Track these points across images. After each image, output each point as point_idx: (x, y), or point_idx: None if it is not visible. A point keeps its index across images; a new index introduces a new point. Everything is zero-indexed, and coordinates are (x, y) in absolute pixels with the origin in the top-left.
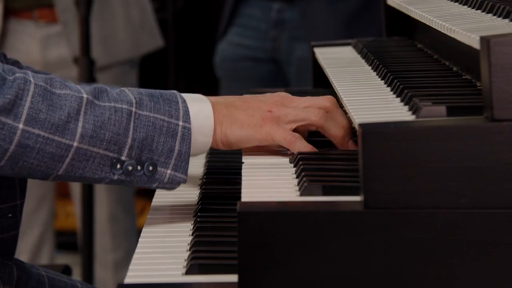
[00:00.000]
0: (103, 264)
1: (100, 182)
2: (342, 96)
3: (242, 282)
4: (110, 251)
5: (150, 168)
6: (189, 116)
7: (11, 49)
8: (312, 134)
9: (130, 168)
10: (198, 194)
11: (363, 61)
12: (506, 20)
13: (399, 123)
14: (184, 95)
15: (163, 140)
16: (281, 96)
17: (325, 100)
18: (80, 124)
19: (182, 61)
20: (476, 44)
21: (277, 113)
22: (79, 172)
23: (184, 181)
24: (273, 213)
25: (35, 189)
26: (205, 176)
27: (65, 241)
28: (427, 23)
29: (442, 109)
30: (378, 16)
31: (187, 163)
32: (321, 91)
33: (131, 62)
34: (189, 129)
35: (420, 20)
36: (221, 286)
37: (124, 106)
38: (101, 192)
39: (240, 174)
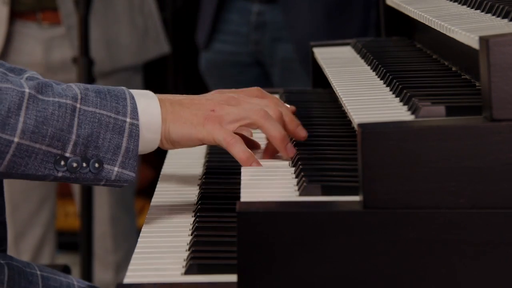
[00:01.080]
0: (104, 265)
1: (44, 179)
2: (341, 96)
3: (241, 282)
4: (111, 252)
5: (96, 165)
6: (137, 113)
7: (15, 51)
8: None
9: (74, 165)
10: (197, 194)
11: (362, 61)
12: (505, 20)
13: (398, 123)
14: (133, 91)
15: (109, 136)
16: (229, 96)
17: (269, 100)
18: (21, 119)
19: (181, 61)
20: (475, 44)
21: (220, 113)
22: (21, 169)
23: (133, 179)
24: (272, 213)
25: (37, 190)
26: (204, 176)
27: (64, 241)
28: (426, 23)
29: (441, 109)
30: (360, 12)
31: (135, 160)
32: (320, 91)
33: (135, 68)
34: (137, 126)
35: (419, 20)
36: (220, 286)
37: (68, 101)
38: (102, 194)
39: (239, 174)
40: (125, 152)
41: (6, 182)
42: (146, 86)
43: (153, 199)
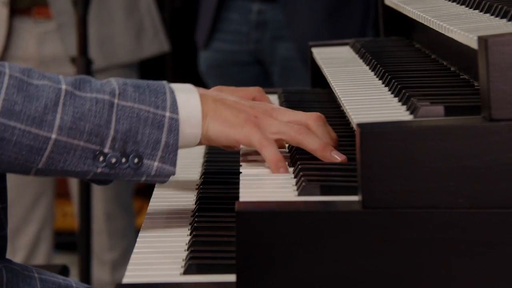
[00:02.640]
0: (101, 263)
1: (84, 175)
2: (340, 96)
3: (240, 282)
4: (107, 250)
5: (136, 160)
6: (177, 107)
7: (11, 46)
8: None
9: (113, 160)
10: (196, 194)
11: (360, 61)
12: (504, 20)
13: (397, 123)
14: (173, 85)
15: (148, 131)
16: (272, 107)
17: (310, 117)
18: (58, 115)
19: (180, 61)
20: (474, 44)
21: (262, 120)
22: (60, 166)
23: (173, 173)
24: (271, 213)
25: (31, 187)
26: (203, 176)
27: (63, 241)
28: (425, 23)
29: (440, 109)
30: (359, 11)
31: (176, 154)
32: (318, 91)
33: (131, 66)
34: (176, 120)
35: (418, 20)
36: (219, 286)
37: (106, 97)
38: (97, 191)
39: (238, 173)
40: (165, 147)
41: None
42: None
43: (151, 199)
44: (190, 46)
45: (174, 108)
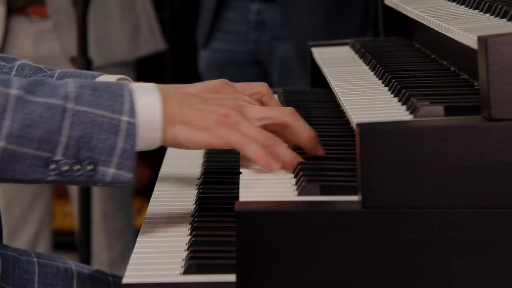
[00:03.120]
0: (98, 262)
1: (35, 183)
2: (339, 96)
3: (240, 281)
4: (104, 250)
5: (90, 167)
6: (135, 110)
7: (7, 45)
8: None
9: (65, 168)
10: (196, 194)
11: (360, 60)
12: (504, 20)
13: (397, 122)
14: (134, 86)
15: (104, 137)
16: (239, 104)
17: (285, 113)
18: (6, 122)
19: (179, 61)
20: (473, 44)
21: (234, 120)
22: (10, 174)
23: (131, 180)
24: (271, 213)
25: (28, 187)
26: (203, 176)
27: (62, 241)
28: (425, 23)
29: (439, 108)
30: (359, 11)
31: (133, 160)
32: (318, 91)
33: (127, 64)
34: (134, 124)
35: (418, 20)
36: (219, 285)
37: (58, 102)
38: (94, 191)
39: (238, 173)
40: (121, 153)
41: None
42: None
43: (151, 199)
44: (190, 46)
45: (132, 112)
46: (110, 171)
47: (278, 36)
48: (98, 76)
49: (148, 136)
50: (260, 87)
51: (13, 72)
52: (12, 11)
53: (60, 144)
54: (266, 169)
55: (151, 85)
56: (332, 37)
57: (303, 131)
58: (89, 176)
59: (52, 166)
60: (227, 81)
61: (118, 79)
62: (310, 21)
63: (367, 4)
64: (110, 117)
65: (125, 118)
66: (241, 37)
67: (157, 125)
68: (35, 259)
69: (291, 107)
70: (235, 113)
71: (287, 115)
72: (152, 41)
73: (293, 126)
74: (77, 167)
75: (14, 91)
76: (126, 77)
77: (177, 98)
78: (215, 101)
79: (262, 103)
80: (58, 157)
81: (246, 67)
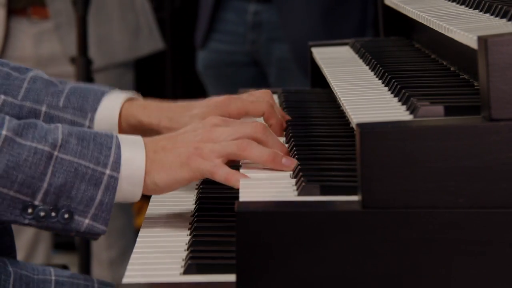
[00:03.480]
0: (98, 262)
1: (11, 223)
2: (339, 96)
3: (240, 281)
4: (104, 249)
5: (66, 215)
6: (120, 164)
7: (8, 47)
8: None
9: (42, 214)
10: (196, 194)
11: (360, 60)
12: (504, 20)
13: (397, 122)
14: (122, 138)
15: (84, 187)
16: (210, 129)
17: (256, 129)
18: None
19: (179, 61)
20: (473, 44)
21: (204, 150)
22: None
23: (103, 232)
24: (271, 213)
25: None
26: None
27: (62, 240)
28: (425, 23)
29: (439, 108)
30: (356, 11)
31: (109, 213)
32: (318, 91)
33: (127, 65)
34: (116, 179)
35: (418, 19)
36: (219, 285)
37: (45, 148)
38: None
39: None
40: (99, 205)
41: None
42: (144, 87)
43: (151, 199)
44: (190, 46)
45: (116, 166)
46: (85, 222)
47: (275, 37)
48: (107, 93)
49: (129, 190)
50: (264, 94)
51: (25, 84)
52: (12, 12)
53: (41, 190)
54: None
55: (138, 139)
56: (329, 38)
57: (274, 147)
58: (64, 224)
59: (30, 210)
60: (231, 96)
61: (128, 99)
62: (307, 21)
63: (364, 4)
64: (94, 169)
65: (107, 172)
66: (239, 37)
67: (139, 181)
68: (53, 278)
69: (262, 123)
70: (204, 142)
71: (259, 132)
72: (151, 41)
73: (263, 141)
74: (53, 214)
75: (4, 132)
76: (136, 97)
77: (152, 147)
78: (185, 136)
79: (269, 114)
80: (36, 202)
81: (243, 68)
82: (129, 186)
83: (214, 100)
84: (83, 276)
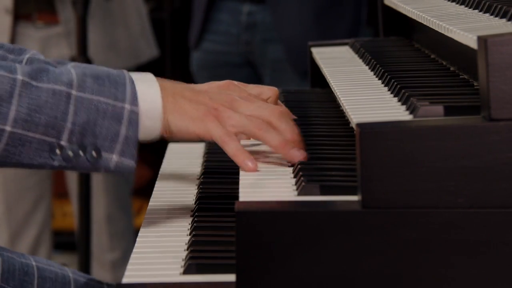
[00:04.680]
0: (101, 264)
1: (40, 168)
2: (339, 96)
3: (239, 281)
4: (107, 251)
5: (94, 153)
6: (137, 99)
7: None
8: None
9: (70, 153)
10: (195, 193)
11: (360, 60)
12: (504, 20)
13: (397, 122)
14: (133, 75)
15: (107, 124)
16: (233, 98)
17: (273, 113)
18: (13, 107)
19: (178, 62)
20: (473, 44)
21: (222, 113)
22: (16, 158)
23: (133, 167)
24: (271, 213)
25: (32, 190)
26: (202, 176)
27: (62, 241)
28: (424, 23)
29: (439, 108)
30: (350, 11)
31: (135, 148)
32: (318, 91)
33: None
34: (136, 113)
35: (417, 19)
36: (219, 285)
37: (63, 88)
38: (98, 192)
39: (237, 173)
40: (124, 140)
41: (0, 182)
42: None
43: (151, 199)
44: (189, 47)
45: (134, 100)
46: (113, 158)
47: (269, 38)
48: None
49: (148, 125)
50: (270, 91)
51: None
52: (18, 17)
53: (65, 129)
54: (242, 168)
55: (149, 75)
56: (323, 37)
57: (286, 134)
58: (93, 162)
59: (57, 151)
60: (233, 81)
61: None
62: (300, 21)
63: (358, 4)
64: (113, 105)
65: (127, 106)
66: (232, 38)
67: (157, 115)
68: (33, 263)
69: (286, 109)
70: (224, 107)
71: (274, 116)
72: (150, 48)
73: (276, 127)
74: (81, 152)
75: (19, 77)
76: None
77: (171, 89)
78: (208, 94)
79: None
80: (63, 142)
81: (237, 69)
82: (148, 121)
83: (215, 83)
84: (58, 266)
